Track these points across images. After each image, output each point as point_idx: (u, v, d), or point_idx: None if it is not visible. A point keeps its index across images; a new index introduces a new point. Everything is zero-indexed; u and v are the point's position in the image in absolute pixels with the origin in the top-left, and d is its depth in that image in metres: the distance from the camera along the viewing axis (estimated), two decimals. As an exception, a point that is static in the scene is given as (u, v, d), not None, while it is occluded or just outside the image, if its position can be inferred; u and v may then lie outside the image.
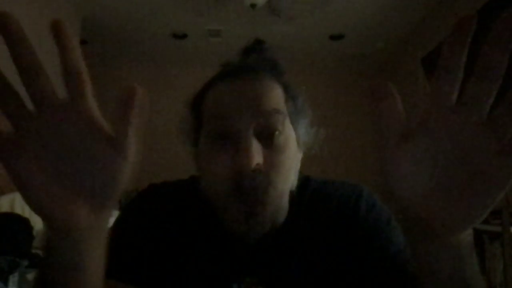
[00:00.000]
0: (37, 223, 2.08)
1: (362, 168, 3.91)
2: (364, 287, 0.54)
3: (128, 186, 0.34)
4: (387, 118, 0.33)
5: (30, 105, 0.31)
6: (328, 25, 3.59)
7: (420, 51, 3.36)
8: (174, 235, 0.59)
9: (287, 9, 3.12)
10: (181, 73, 4.44)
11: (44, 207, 0.31)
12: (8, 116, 0.30)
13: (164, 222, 0.59)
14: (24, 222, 1.98)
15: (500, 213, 2.01)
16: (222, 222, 0.57)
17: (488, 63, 0.30)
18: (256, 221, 0.50)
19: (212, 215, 0.58)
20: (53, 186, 0.32)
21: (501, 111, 0.31)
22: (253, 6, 2.92)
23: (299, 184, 0.59)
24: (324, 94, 4.16)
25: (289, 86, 0.57)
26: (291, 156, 0.54)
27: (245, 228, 0.51)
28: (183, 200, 0.62)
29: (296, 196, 0.59)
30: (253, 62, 0.59)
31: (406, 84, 3.60)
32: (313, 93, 0.61)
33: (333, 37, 3.85)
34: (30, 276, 1.68)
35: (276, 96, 0.54)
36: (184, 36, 3.88)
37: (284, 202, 0.56)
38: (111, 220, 0.45)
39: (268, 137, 0.52)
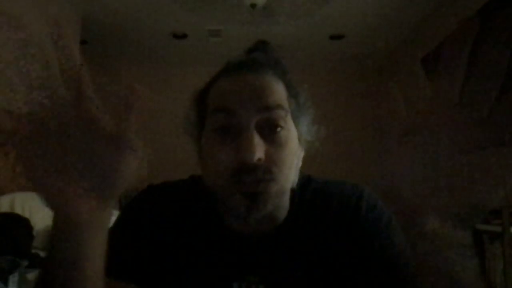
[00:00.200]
0: (37, 223, 2.08)
1: (362, 168, 3.90)
2: (364, 287, 0.54)
3: (135, 184, 0.35)
4: (387, 118, 0.33)
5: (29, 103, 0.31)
6: (328, 25, 3.59)
7: (420, 51, 3.36)
8: (174, 234, 0.59)
9: (287, 9, 3.12)
10: (181, 73, 4.44)
11: (51, 198, 0.33)
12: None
13: (164, 222, 0.60)
14: (24, 222, 1.99)
15: (500, 213, 2.01)
16: (223, 221, 0.57)
17: (488, 63, 0.30)
18: (257, 215, 0.51)
19: (213, 214, 0.58)
20: (58, 181, 0.32)
21: (501, 111, 0.31)
22: (253, 6, 2.92)
23: (300, 184, 0.59)
24: (324, 94, 4.15)
25: (291, 84, 0.58)
26: (292, 152, 0.54)
27: (246, 221, 0.51)
28: (183, 200, 0.62)
29: (297, 195, 0.59)
30: (257, 58, 0.60)
31: (406, 84, 3.60)
32: (313, 93, 0.61)
33: (333, 37, 3.84)
34: (30, 276, 1.68)
35: (279, 92, 0.54)
36: (184, 36, 3.88)
37: (285, 199, 0.57)
38: (112, 220, 0.45)
39: (270, 132, 0.52)
